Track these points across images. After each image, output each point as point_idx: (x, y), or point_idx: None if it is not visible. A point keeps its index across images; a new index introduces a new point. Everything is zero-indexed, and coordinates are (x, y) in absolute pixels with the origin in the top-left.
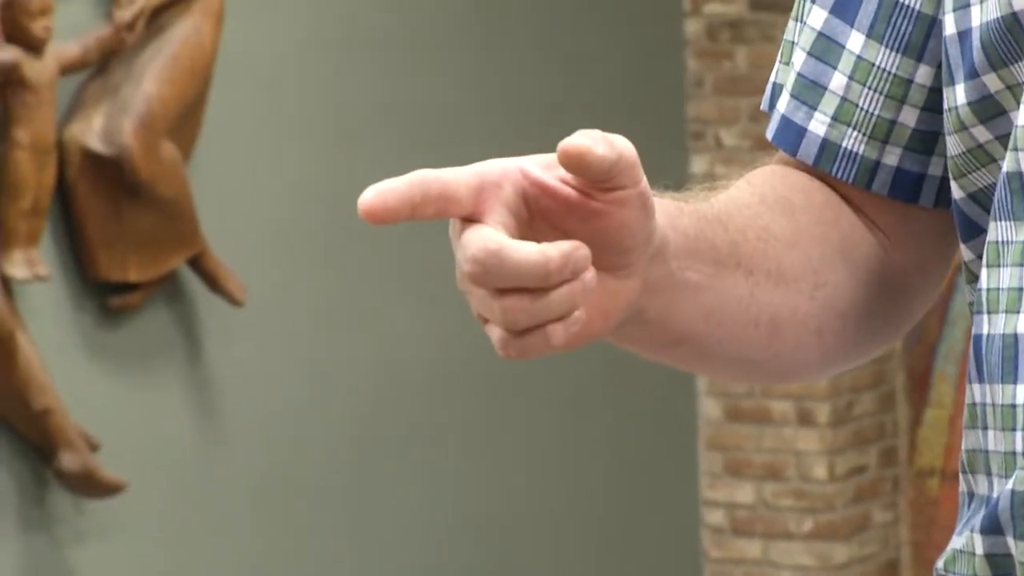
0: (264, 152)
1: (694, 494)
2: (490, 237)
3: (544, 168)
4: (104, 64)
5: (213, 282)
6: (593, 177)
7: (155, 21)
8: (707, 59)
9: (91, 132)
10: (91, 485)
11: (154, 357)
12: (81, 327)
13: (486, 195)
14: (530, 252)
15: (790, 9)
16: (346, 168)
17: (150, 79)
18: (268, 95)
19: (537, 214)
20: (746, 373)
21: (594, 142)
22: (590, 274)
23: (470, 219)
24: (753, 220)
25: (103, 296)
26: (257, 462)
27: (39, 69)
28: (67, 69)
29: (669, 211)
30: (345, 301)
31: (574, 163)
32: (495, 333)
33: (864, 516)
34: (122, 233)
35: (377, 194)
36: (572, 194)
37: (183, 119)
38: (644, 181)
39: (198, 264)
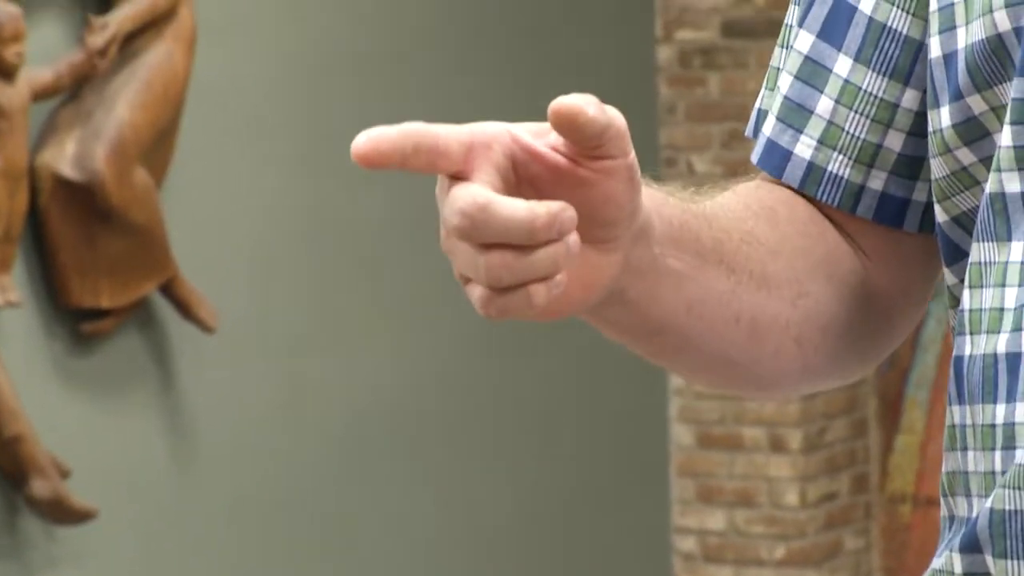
0: (236, 178)
1: (665, 521)
2: (479, 192)
3: (535, 135)
4: (76, 90)
5: (185, 308)
6: (583, 140)
7: (127, 47)
8: (679, 85)
9: (63, 158)
10: (62, 512)
11: (126, 383)
12: (53, 353)
13: (476, 154)
14: (518, 207)
15: (762, 36)
16: (319, 193)
17: (122, 105)
18: (240, 121)
19: (525, 179)
20: (726, 373)
21: (587, 104)
22: (574, 237)
23: (458, 176)
24: (738, 223)
25: (75, 322)
26: (230, 488)
27: (11, 95)
28: (39, 95)
29: (655, 198)
30: (317, 326)
31: (565, 123)
32: (476, 292)
33: (836, 543)
34: (94, 259)
35: (370, 139)
36: (561, 161)
37: (155, 145)
38: (632, 154)
39: (170, 290)
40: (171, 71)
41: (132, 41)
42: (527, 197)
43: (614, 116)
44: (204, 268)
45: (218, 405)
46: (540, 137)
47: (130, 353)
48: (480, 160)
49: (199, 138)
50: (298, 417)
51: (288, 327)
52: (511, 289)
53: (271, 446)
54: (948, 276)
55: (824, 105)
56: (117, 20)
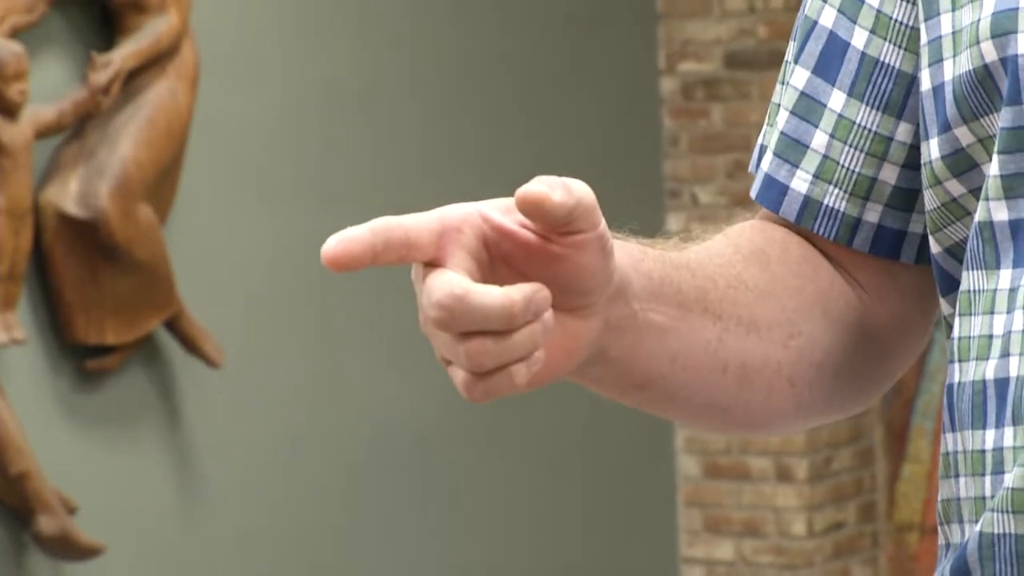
0: (240, 214)
1: (673, 551)
2: (456, 282)
3: (504, 212)
4: (80, 127)
5: (190, 344)
6: (551, 223)
7: (130, 84)
8: (682, 117)
9: (67, 196)
10: (69, 548)
11: (131, 420)
12: (58, 390)
13: (447, 240)
14: (495, 296)
15: (765, 67)
16: (322, 229)
17: (126, 142)
18: (243, 157)
19: (498, 258)
20: (718, 420)
21: (551, 188)
22: (549, 313)
23: (432, 264)
24: (725, 269)
25: (80, 359)
26: (235, 523)
27: (14, 133)
28: (43, 133)
29: (632, 253)
30: (322, 362)
31: (532, 209)
32: (459, 376)
33: (843, 572)
34: (99, 296)
35: (340, 242)
36: (531, 238)
37: (159, 182)
38: (603, 224)
39: (175, 326)
40: (174, 108)
41: (135, 78)
42: (501, 274)
43: (581, 194)
44: (209, 304)
45: (223, 440)
46: (510, 214)
47: (135, 389)
48: (452, 245)
49: (203, 174)
50: (303, 452)
51: (293, 362)
52: (493, 372)
53: (277, 481)
54: (944, 306)
55: (819, 140)
56: (120, 57)
